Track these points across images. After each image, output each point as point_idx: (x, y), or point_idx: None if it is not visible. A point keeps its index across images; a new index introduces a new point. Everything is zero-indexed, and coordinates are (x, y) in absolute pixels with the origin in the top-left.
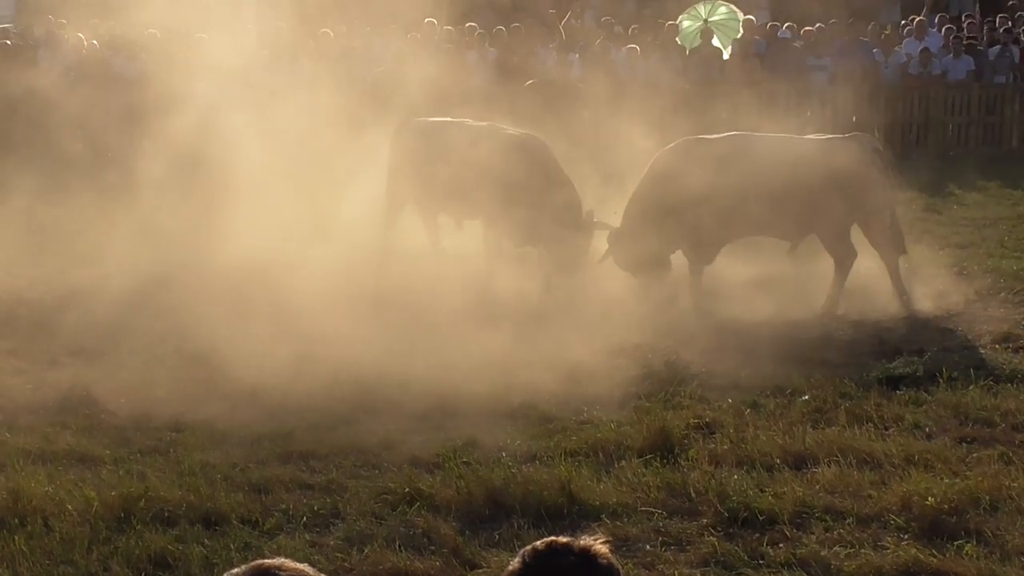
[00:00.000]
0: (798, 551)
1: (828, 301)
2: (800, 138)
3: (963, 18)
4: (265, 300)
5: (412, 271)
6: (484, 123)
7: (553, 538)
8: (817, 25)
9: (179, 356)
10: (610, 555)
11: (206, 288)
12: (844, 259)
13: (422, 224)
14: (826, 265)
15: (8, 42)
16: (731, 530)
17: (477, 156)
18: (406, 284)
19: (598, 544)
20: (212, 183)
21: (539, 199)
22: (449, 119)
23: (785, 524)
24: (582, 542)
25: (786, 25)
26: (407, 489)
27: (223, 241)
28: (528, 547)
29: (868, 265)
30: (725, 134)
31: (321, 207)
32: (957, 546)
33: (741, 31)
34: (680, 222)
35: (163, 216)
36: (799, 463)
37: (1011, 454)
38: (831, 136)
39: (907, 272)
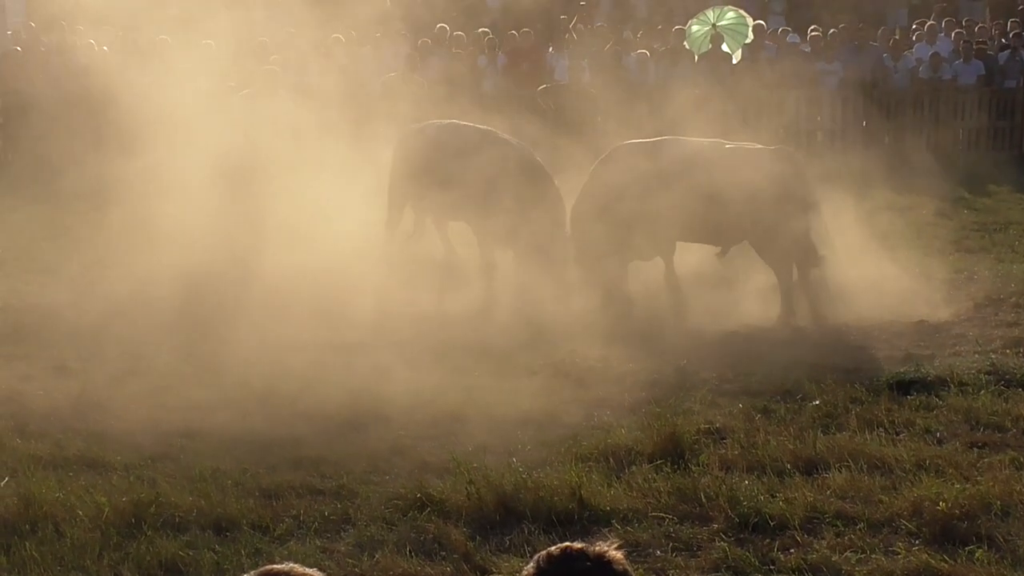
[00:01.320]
0: (809, 556)
1: (782, 309)
2: (728, 145)
3: (964, 23)
4: (274, 306)
5: (420, 276)
6: (482, 127)
7: (568, 544)
8: (831, 32)
9: (189, 362)
10: (625, 562)
11: (216, 294)
12: (780, 268)
13: (434, 229)
14: (836, 273)
15: (18, 48)
16: (742, 535)
17: (469, 160)
18: (414, 290)
19: (613, 550)
20: (218, 188)
21: (518, 206)
22: (445, 122)
23: (796, 529)
24: (597, 548)
25: (810, 29)
26: (418, 495)
27: (231, 247)
28: (543, 552)
29: (878, 271)
30: (658, 139)
31: (326, 213)
32: (968, 551)
33: (751, 36)
34: (616, 227)
35: (172, 221)
36: (810, 468)
37: (1022, 459)
38: (759, 146)
39: (918, 277)
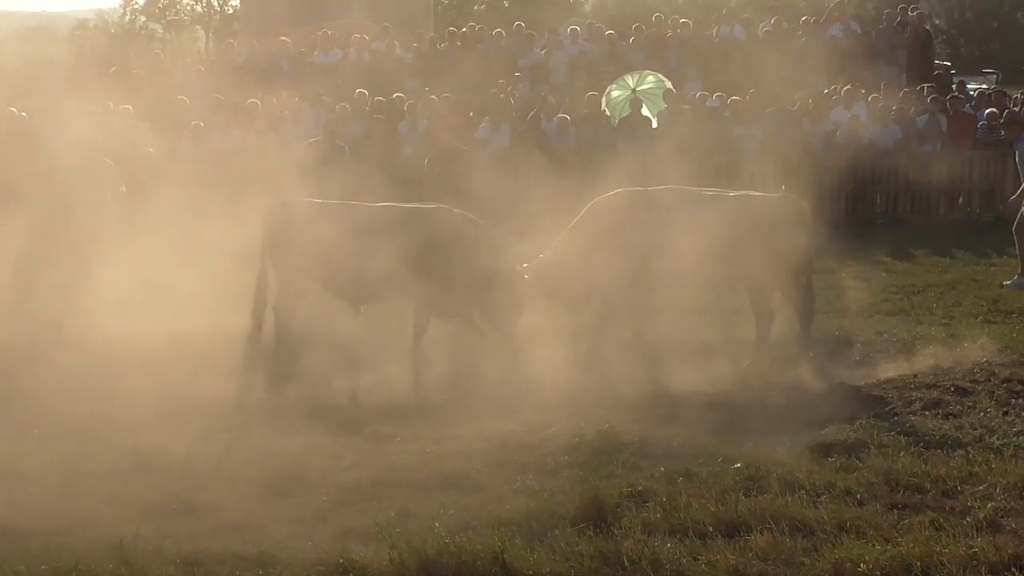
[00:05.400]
0: None
1: (755, 356)
2: (732, 193)
3: (881, 87)
4: (193, 372)
5: (334, 348)
6: (381, 204)
7: None
8: (751, 91)
9: (108, 427)
10: None
11: (136, 355)
12: (766, 316)
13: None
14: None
15: None
16: None
17: (389, 235)
18: (332, 359)
19: None
20: (135, 252)
21: (461, 269)
22: (343, 201)
23: None
24: None
25: (715, 95)
26: (340, 560)
27: (145, 310)
28: None
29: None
30: (664, 187)
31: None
32: None
33: (664, 104)
34: (608, 267)
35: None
36: (732, 531)
37: (942, 520)
38: (762, 194)
39: (838, 340)
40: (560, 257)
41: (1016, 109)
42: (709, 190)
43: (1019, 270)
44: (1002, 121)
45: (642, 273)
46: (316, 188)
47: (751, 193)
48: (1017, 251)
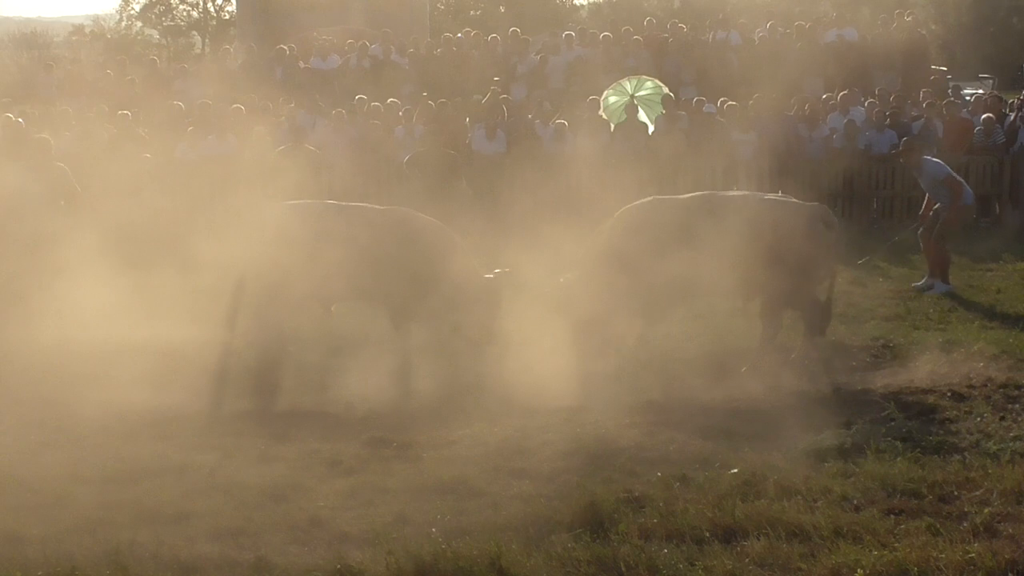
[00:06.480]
0: None
1: (753, 361)
2: (766, 198)
3: (877, 92)
4: (190, 376)
5: (328, 352)
6: (354, 204)
7: None
8: (756, 95)
9: (104, 433)
10: None
11: (132, 362)
12: (775, 328)
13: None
14: (751, 340)
15: None
16: None
17: (359, 237)
18: (330, 364)
19: None
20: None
21: (428, 274)
22: (318, 202)
23: None
24: None
25: (719, 101)
26: (337, 566)
27: (138, 317)
28: None
29: (794, 339)
30: (694, 194)
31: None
32: None
33: (663, 110)
34: (640, 278)
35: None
36: (729, 536)
37: (939, 525)
38: (796, 200)
39: (835, 345)
40: (591, 273)
41: (914, 135)
42: (739, 193)
43: (927, 272)
44: (899, 148)
45: (676, 282)
46: (289, 193)
47: (784, 199)
48: (924, 255)
